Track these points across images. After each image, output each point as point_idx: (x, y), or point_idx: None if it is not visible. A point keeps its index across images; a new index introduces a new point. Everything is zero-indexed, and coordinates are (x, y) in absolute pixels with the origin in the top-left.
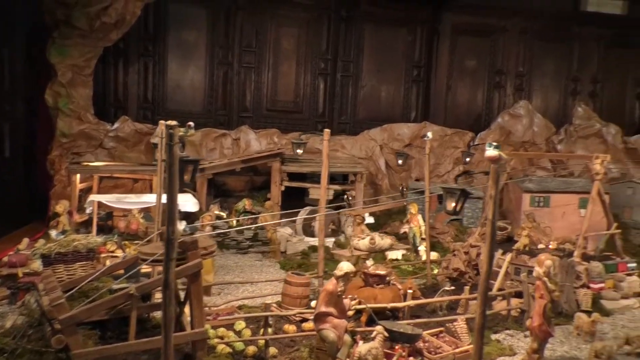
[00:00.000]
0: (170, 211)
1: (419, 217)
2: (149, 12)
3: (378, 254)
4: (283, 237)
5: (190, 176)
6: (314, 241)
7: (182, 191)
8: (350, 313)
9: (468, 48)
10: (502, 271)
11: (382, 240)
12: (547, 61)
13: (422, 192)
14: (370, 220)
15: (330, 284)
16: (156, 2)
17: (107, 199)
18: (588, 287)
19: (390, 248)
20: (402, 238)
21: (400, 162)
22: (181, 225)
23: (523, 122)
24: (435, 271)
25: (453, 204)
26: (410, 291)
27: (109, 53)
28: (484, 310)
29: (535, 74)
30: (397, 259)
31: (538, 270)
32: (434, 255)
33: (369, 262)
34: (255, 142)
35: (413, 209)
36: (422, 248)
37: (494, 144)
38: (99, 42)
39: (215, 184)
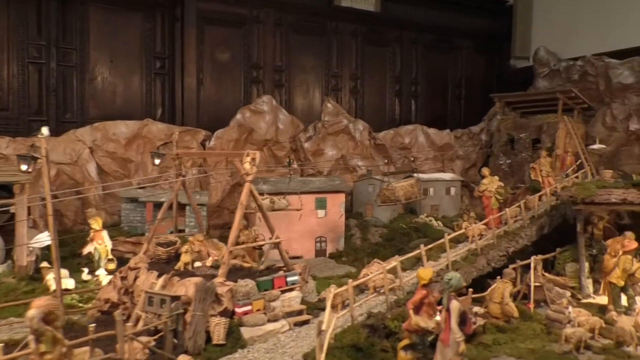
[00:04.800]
0: None
1: (104, 233)
2: None
3: (41, 284)
4: None
5: None
6: None
7: None
8: None
9: (219, 39)
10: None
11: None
12: (306, 56)
13: (136, 201)
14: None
15: None
16: None
17: None
18: (233, 314)
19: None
20: (90, 261)
21: (25, 167)
22: None
23: (266, 118)
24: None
25: None
26: None
27: None
28: None
29: (294, 69)
30: (67, 289)
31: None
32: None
33: None
34: None
35: (96, 224)
36: (102, 272)
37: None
38: None
39: None
